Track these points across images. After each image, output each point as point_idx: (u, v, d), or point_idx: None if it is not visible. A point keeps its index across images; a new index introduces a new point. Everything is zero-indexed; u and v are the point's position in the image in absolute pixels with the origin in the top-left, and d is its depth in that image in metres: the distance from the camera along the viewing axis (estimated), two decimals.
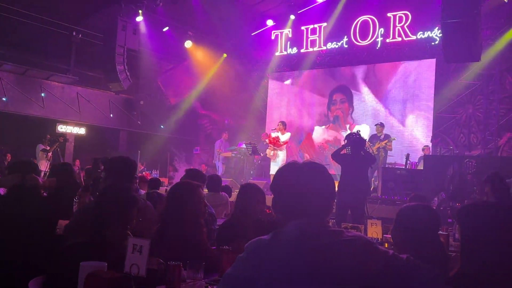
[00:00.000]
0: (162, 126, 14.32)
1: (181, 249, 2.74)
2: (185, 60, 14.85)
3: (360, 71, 13.47)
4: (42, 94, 12.66)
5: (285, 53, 14.57)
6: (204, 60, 14.79)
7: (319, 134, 14.10)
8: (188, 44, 14.21)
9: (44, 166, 11.22)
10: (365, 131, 12.35)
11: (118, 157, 3.80)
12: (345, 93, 13.72)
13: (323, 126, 14.07)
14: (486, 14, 9.43)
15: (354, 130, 8.66)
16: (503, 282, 1.96)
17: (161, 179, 10.36)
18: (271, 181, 2.18)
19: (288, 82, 14.97)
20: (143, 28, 12.69)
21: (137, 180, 6.82)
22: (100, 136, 14.27)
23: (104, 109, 14.20)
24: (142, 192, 6.68)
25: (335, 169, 10.81)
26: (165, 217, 3.03)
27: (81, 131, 14.05)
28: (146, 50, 13.67)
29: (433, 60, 12.02)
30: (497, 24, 11.05)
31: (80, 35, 13.64)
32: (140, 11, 12.23)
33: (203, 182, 4.41)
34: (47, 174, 10.06)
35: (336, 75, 13.94)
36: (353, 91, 13.52)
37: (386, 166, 10.57)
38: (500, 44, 10.82)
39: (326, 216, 1.81)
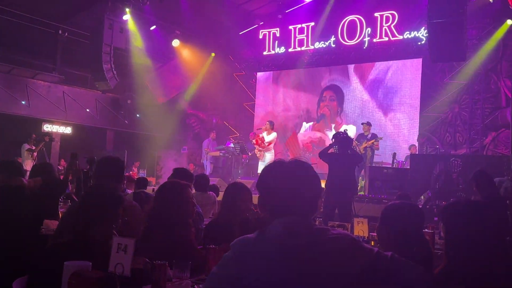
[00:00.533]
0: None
1: (168, 249, 2.74)
2: (172, 59, 14.79)
3: (347, 70, 13.54)
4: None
5: (273, 52, 14.58)
6: (192, 59, 14.74)
7: (305, 131, 14.17)
8: (175, 43, 14.15)
9: (29, 166, 11.07)
10: (352, 131, 12.43)
11: (107, 157, 3.78)
12: (336, 91, 13.79)
13: (310, 123, 14.14)
14: (472, 14, 9.52)
15: (341, 129, 8.70)
16: (487, 279, 1.99)
17: (149, 179, 10.32)
18: None
19: (276, 81, 14.99)
20: (130, 26, 12.61)
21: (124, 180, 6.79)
22: (86, 136, 14.15)
23: (90, 108, 14.09)
24: (129, 191, 6.64)
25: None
26: (153, 217, 3.02)
27: (67, 130, 13.93)
28: (133, 49, 13.58)
29: (420, 60, 12.12)
30: (482, 24, 11.18)
31: (66, 34, 13.52)
32: (127, 10, 12.16)
33: (191, 182, 4.40)
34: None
35: (324, 75, 13.99)
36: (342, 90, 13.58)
37: (373, 165, 10.64)
38: (488, 45, 10.94)
39: (312, 214, 1.81)
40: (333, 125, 13.57)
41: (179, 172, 4.61)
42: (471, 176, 5.04)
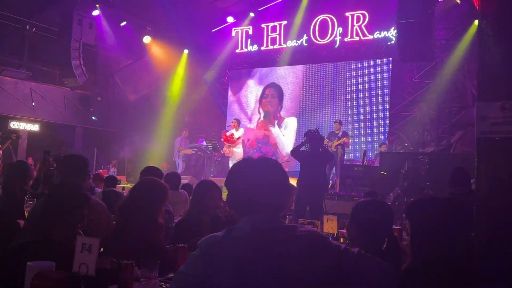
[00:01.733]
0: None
1: (137, 248, 2.70)
2: (144, 56, 14.60)
3: (318, 69, 13.65)
4: None
5: (245, 50, 14.57)
6: (163, 56, 14.59)
7: (249, 130, 14.42)
8: (147, 39, 13.99)
9: None
10: (293, 124, 13.24)
11: (70, 155, 3.70)
12: (276, 89, 14.06)
13: (255, 122, 14.42)
14: (440, 15, 9.72)
15: (293, 133, 8.81)
16: (450, 276, 2.03)
17: (119, 177, 10.17)
18: None
19: (248, 79, 14.99)
20: (100, 22, 12.40)
21: (92, 178, 6.67)
22: (54, 133, 13.84)
23: (59, 105, 13.78)
24: (98, 190, 6.53)
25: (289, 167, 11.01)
26: (125, 215, 2.95)
27: (35, 127, 13.59)
28: (103, 45, 13.35)
29: (389, 60, 12.32)
30: (450, 25, 11.43)
31: (34, 29, 13.18)
32: (97, 5, 11.96)
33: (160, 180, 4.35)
34: None
35: (297, 72, 14.07)
36: (309, 88, 13.71)
37: (344, 163, 10.77)
38: (460, 46, 11.16)
39: (280, 212, 1.81)
40: (276, 121, 13.93)
41: (148, 170, 4.56)
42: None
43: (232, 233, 1.69)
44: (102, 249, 3.00)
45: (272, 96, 14.11)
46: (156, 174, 4.43)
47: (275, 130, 13.80)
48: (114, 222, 3.14)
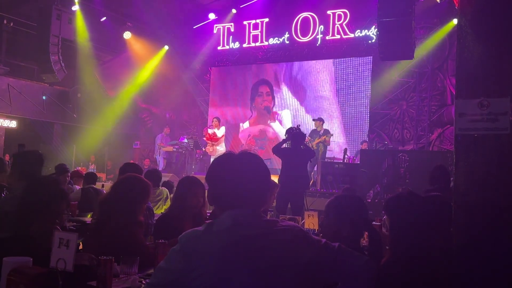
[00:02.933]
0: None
1: (117, 244, 2.67)
2: (124, 51, 14.43)
3: (299, 66, 13.69)
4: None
5: (227, 47, 14.53)
6: (144, 52, 14.45)
7: (243, 130, 14.41)
8: (127, 35, 13.83)
9: None
10: (287, 116, 13.37)
11: (26, 151, 3.66)
12: (268, 85, 14.09)
13: (247, 122, 14.35)
14: (420, 14, 9.82)
15: (292, 125, 8.82)
16: (428, 269, 2.06)
17: (99, 174, 10.06)
18: None
19: (230, 76, 14.96)
20: (79, 17, 12.21)
21: (69, 174, 6.59)
22: (32, 130, 13.61)
23: (37, 101, 13.55)
24: (77, 187, 6.45)
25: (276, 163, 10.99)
26: (106, 211, 2.91)
27: (12, 124, 13.35)
28: (82, 41, 13.16)
29: (370, 58, 12.42)
30: (430, 24, 11.58)
31: (11, 24, 12.93)
32: (76, 1, 11.78)
33: None
34: None
35: (277, 70, 14.08)
36: (292, 86, 13.75)
37: (325, 160, 10.83)
38: (431, 42, 11.35)
39: (261, 207, 1.81)
40: (276, 116, 13.95)
41: (129, 167, 4.52)
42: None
43: (213, 227, 1.68)
44: (81, 246, 2.97)
45: (267, 93, 14.08)
46: (136, 170, 4.39)
47: (275, 125, 13.79)
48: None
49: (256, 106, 14.23)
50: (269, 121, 13.92)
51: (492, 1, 2.77)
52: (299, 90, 13.63)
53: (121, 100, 14.49)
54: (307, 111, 13.34)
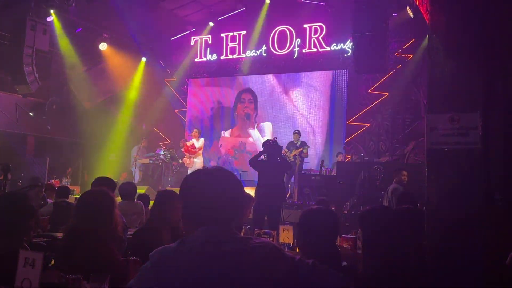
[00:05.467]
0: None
1: (88, 262, 2.61)
2: (100, 63, 14.27)
3: (277, 79, 13.77)
4: None
5: (204, 59, 14.55)
6: (120, 64, 14.31)
7: (224, 138, 14.36)
8: (103, 46, 13.69)
9: None
10: (269, 128, 13.39)
11: None
12: (252, 94, 14.14)
13: (229, 130, 14.34)
14: (394, 29, 10.00)
15: (271, 137, 8.83)
16: (401, 282, 2.07)
17: (73, 187, 9.87)
18: None
19: (207, 88, 14.95)
20: (54, 28, 12.05)
21: (43, 188, 6.45)
22: (5, 142, 13.29)
23: (9, 112, 13.26)
24: (50, 201, 6.31)
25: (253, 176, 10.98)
26: (74, 227, 2.84)
27: None
28: (57, 52, 12.98)
29: (346, 71, 12.58)
30: (403, 38, 11.81)
31: None
32: (52, 11, 11.63)
33: (113, 190, 4.24)
34: None
35: (255, 82, 14.13)
36: (268, 98, 13.81)
37: (302, 172, 10.86)
38: (405, 55, 11.56)
39: (234, 222, 1.79)
40: (256, 124, 13.93)
41: (101, 181, 4.44)
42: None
43: (185, 244, 1.66)
44: (53, 262, 2.89)
45: (249, 100, 14.11)
46: (108, 184, 4.32)
47: (255, 133, 13.75)
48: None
49: (238, 114, 14.21)
50: (248, 129, 13.90)
51: (461, 18, 2.83)
52: (278, 103, 13.69)
53: (97, 111, 14.28)
54: (285, 124, 13.39)
